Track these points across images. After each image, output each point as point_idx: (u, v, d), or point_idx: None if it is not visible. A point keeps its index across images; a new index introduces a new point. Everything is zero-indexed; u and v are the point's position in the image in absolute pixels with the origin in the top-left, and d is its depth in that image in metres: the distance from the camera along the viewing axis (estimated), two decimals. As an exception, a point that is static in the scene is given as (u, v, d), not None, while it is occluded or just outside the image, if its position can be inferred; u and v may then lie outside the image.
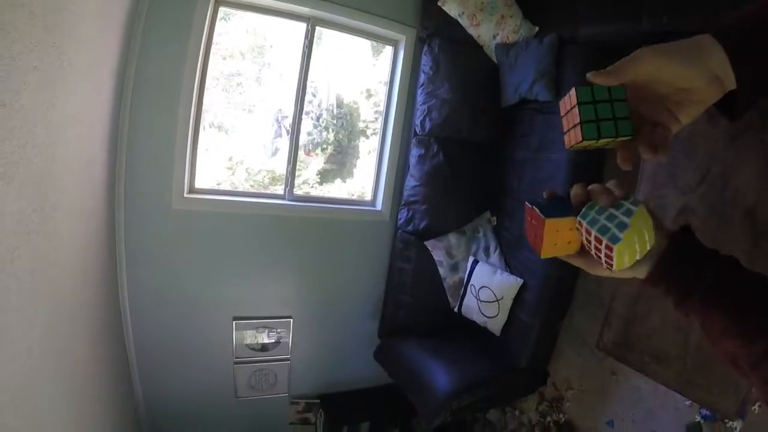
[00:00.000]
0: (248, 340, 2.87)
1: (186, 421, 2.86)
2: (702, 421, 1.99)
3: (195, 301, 2.69)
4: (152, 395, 2.72)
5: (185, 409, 2.84)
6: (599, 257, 0.61)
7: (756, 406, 1.79)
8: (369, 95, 3.35)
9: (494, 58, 2.83)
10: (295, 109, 2.83)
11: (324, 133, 3.31)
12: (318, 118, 3.24)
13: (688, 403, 2.04)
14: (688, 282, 0.56)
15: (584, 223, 0.60)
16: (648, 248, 0.58)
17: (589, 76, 0.56)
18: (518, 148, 2.79)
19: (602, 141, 0.57)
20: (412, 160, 2.93)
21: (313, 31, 2.76)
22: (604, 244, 0.58)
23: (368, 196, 3.23)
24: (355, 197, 3.33)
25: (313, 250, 2.97)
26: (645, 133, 0.58)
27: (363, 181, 3.33)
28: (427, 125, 2.85)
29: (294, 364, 3.05)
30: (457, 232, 2.95)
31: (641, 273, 0.61)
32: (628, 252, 0.58)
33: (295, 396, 3.15)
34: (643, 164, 1.73)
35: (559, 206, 0.63)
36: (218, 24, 2.56)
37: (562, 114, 0.61)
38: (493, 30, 2.74)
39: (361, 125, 3.41)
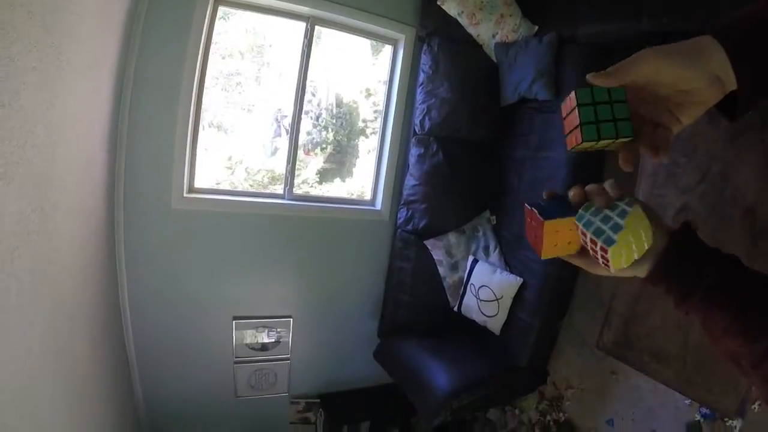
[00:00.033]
0: (248, 340, 2.87)
1: (186, 420, 2.86)
2: (702, 420, 1.99)
3: (195, 301, 2.69)
4: (152, 395, 2.72)
5: (185, 408, 2.84)
6: (597, 258, 0.61)
7: (756, 405, 1.80)
8: (368, 94, 3.35)
9: (494, 57, 2.83)
10: (295, 109, 2.82)
11: (323, 133, 3.31)
12: (317, 118, 3.24)
13: (687, 401, 2.04)
14: (690, 281, 0.56)
15: (580, 226, 0.61)
16: (646, 248, 0.58)
17: (588, 77, 0.56)
18: (518, 147, 2.78)
19: (602, 142, 0.57)
20: (412, 160, 2.93)
21: (313, 30, 2.76)
22: (599, 246, 0.59)
23: (368, 196, 3.23)
24: (354, 197, 3.33)
25: (312, 249, 2.97)
26: (646, 134, 0.58)
27: (362, 181, 3.33)
28: (427, 124, 2.85)
29: (294, 364, 3.05)
30: (456, 232, 2.95)
31: (642, 272, 0.61)
32: (624, 253, 0.58)
33: (295, 395, 3.15)
34: (643, 163, 1.73)
35: (559, 207, 0.63)
36: (217, 23, 2.55)
37: (563, 116, 0.61)
38: (492, 29, 2.73)
39: (361, 124, 3.41)
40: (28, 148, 1.08)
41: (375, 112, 3.29)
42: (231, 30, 2.83)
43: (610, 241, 0.57)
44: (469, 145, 2.95)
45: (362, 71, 3.33)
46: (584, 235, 0.61)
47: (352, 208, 3.15)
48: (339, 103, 3.33)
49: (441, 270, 2.92)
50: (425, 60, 2.86)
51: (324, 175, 3.36)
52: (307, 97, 2.93)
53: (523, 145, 2.74)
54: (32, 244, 1.15)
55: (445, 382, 2.41)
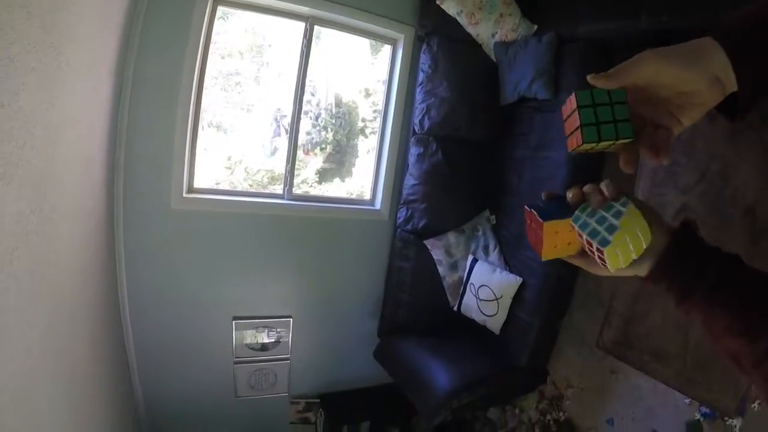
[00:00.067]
0: (248, 340, 2.87)
1: (186, 421, 2.86)
2: (702, 419, 1.99)
3: (195, 301, 2.69)
4: (152, 395, 2.71)
5: (185, 409, 2.84)
6: (596, 258, 0.61)
7: (756, 404, 1.80)
8: (368, 94, 3.35)
9: (493, 57, 2.83)
10: (294, 109, 2.82)
11: (323, 133, 3.31)
12: (317, 118, 3.24)
13: (687, 401, 2.04)
14: (691, 280, 0.56)
15: (576, 227, 0.61)
16: (644, 247, 0.58)
17: (589, 78, 0.56)
18: (517, 146, 2.78)
19: (603, 144, 0.57)
20: (411, 159, 2.92)
21: (312, 30, 2.76)
22: (595, 247, 0.59)
23: (367, 195, 3.23)
24: (354, 196, 3.33)
25: (312, 249, 2.97)
26: (647, 135, 0.58)
27: (362, 180, 3.33)
28: (426, 124, 2.84)
29: (294, 364, 3.05)
30: (456, 231, 2.95)
31: (642, 271, 0.60)
32: (621, 253, 0.57)
33: (295, 395, 3.15)
34: (642, 163, 1.73)
35: (558, 208, 0.63)
36: (217, 23, 2.55)
37: (564, 118, 0.61)
38: (491, 28, 2.73)
39: (360, 124, 3.41)
40: (27, 148, 1.08)
41: (374, 111, 3.29)
42: (230, 30, 2.83)
43: (605, 242, 0.57)
44: (468, 144, 2.95)
45: (361, 71, 3.33)
46: (581, 236, 0.61)
47: (352, 208, 3.15)
48: (338, 103, 3.33)
49: (440, 269, 2.92)
50: (424, 59, 2.85)
51: (323, 175, 3.35)
52: (307, 96, 2.92)
53: (522, 144, 2.74)
54: (31, 244, 1.15)
55: (445, 381, 2.41)
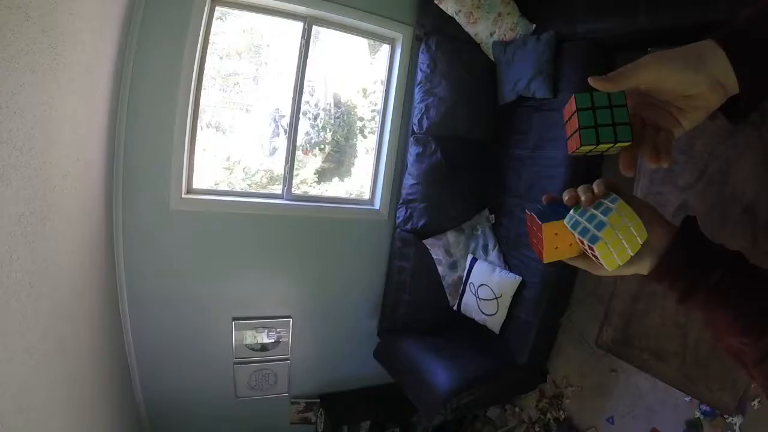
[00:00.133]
0: (248, 340, 2.87)
1: (186, 421, 2.86)
2: (702, 417, 2.00)
3: (194, 302, 2.69)
4: (152, 395, 2.71)
5: (185, 409, 2.84)
6: (594, 258, 0.61)
7: (756, 402, 1.80)
8: (366, 94, 3.35)
9: (491, 56, 2.83)
10: (293, 109, 2.82)
11: (322, 133, 3.31)
12: (315, 118, 3.24)
13: (687, 399, 2.05)
14: (694, 277, 0.55)
15: (568, 226, 0.61)
16: (639, 242, 0.57)
17: (590, 81, 0.56)
18: (516, 145, 2.78)
19: (601, 147, 0.57)
20: (410, 159, 2.92)
21: (310, 30, 2.75)
22: (586, 245, 0.59)
23: (366, 195, 3.23)
24: (353, 196, 3.33)
25: (311, 249, 2.97)
26: (648, 137, 0.58)
27: (361, 180, 3.33)
28: (425, 123, 2.84)
29: (294, 364, 3.05)
30: (455, 231, 2.95)
31: (644, 269, 0.60)
32: (614, 250, 0.57)
33: (295, 396, 3.15)
34: (642, 161, 1.73)
35: (557, 210, 0.63)
36: (215, 23, 2.55)
37: (565, 120, 0.61)
38: (490, 28, 2.73)
39: (359, 124, 3.41)
40: (26, 150, 1.08)
41: (373, 111, 3.28)
42: (228, 30, 2.83)
43: (594, 239, 0.57)
44: (467, 143, 2.95)
45: (360, 71, 3.33)
46: (573, 235, 0.61)
47: (351, 208, 3.15)
48: (337, 103, 3.33)
49: (440, 269, 2.92)
50: (423, 59, 2.85)
51: (322, 175, 3.35)
52: (305, 96, 2.92)
53: (521, 143, 2.74)
54: (30, 246, 1.15)
55: (445, 380, 2.42)
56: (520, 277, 2.60)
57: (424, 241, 2.90)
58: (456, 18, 2.74)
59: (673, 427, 2.12)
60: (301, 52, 2.77)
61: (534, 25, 2.66)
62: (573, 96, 0.57)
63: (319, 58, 2.93)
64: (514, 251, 2.77)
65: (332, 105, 3.31)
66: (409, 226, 2.93)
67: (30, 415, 1.12)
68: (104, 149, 2.11)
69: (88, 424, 1.68)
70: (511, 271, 2.70)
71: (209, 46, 2.54)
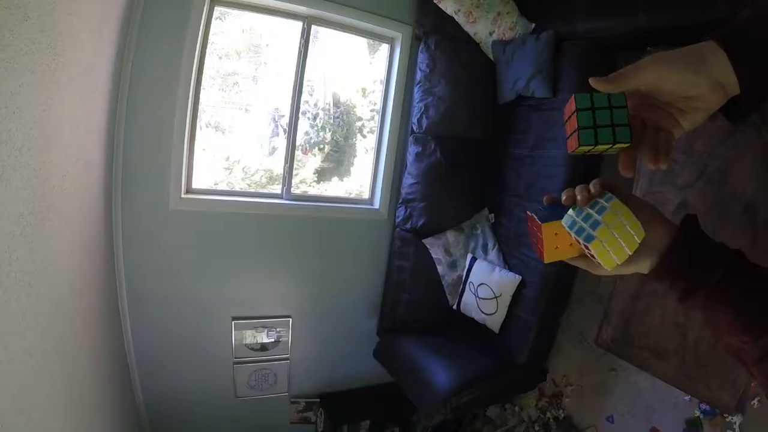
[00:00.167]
0: (247, 340, 2.87)
1: (186, 421, 2.86)
2: (702, 416, 2.00)
3: (194, 301, 2.69)
4: (152, 395, 2.71)
5: (185, 409, 2.84)
6: (593, 258, 0.61)
7: (755, 401, 1.80)
8: (365, 93, 3.35)
9: (491, 55, 2.82)
10: (292, 108, 2.82)
11: (321, 132, 3.31)
12: (315, 117, 3.23)
13: (687, 398, 2.05)
14: (695, 276, 0.55)
15: (565, 226, 0.61)
16: (637, 242, 0.57)
17: (591, 81, 0.56)
18: (516, 145, 2.78)
19: (600, 147, 0.57)
20: (410, 158, 2.92)
21: (310, 29, 2.75)
22: (582, 245, 0.59)
23: (366, 195, 3.23)
24: (352, 196, 3.33)
25: (311, 249, 2.97)
26: (648, 137, 0.58)
27: (360, 180, 3.33)
28: (424, 123, 2.84)
29: (293, 364, 3.05)
30: (455, 230, 2.95)
31: (644, 268, 0.60)
32: (611, 249, 0.57)
33: (295, 395, 3.15)
34: (641, 160, 1.73)
35: (556, 210, 0.64)
36: (214, 23, 2.54)
37: (564, 119, 0.61)
38: (489, 27, 2.73)
39: (358, 123, 3.41)
40: (25, 150, 1.08)
41: (372, 111, 3.28)
42: (227, 30, 2.82)
43: (589, 238, 0.57)
44: (467, 143, 2.95)
45: (359, 70, 3.32)
46: (570, 235, 0.61)
47: (351, 208, 3.15)
48: (336, 103, 3.33)
49: (440, 268, 2.92)
50: (422, 58, 2.85)
51: (322, 175, 3.35)
52: (305, 96, 2.92)
53: (521, 143, 2.74)
54: (30, 246, 1.15)
55: (444, 380, 2.42)
56: (520, 277, 2.60)
57: (423, 241, 2.90)
58: (455, 17, 2.74)
59: (672, 426, 2.12)
60: (300, 52, 2.76)
61: (533, 25, 2.66)
62: (573, 96, 0.57)
63: (318, 58, 2.93)
64: (513, 250, 2.77)
65: (331, 104, 3.31)
66: (408, 226, 2.93)
67: (30, 415, 1.12)
68: (103, 149, 2.11)
69: (88, 424, 1.68)
70: (510, 270, 2.70)
71: (208, 45, 2.54)
